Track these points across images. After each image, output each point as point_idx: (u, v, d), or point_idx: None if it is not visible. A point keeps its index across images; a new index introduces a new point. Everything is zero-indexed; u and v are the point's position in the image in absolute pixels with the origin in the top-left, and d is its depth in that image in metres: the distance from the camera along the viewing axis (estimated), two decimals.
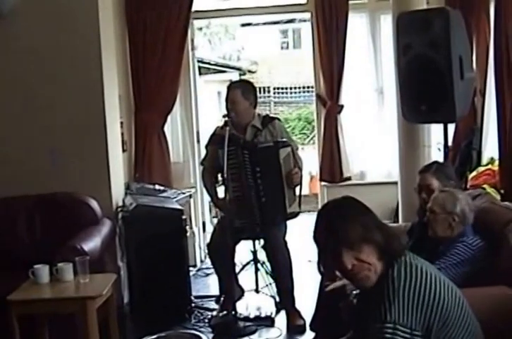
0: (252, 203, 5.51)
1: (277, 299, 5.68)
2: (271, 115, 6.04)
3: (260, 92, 23.03)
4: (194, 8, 7.23)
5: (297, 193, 5.63)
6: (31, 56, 5.96)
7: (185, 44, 7.23)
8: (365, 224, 2.71)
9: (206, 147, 5.85)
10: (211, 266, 5.97)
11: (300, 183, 5.59)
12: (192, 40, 7.60)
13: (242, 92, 5.57)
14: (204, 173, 5.94)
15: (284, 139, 5.52)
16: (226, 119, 5.51)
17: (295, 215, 5.61)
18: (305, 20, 9.89)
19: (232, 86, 5.75)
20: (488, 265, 3.86)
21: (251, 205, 5.51)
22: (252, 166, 5.46)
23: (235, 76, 18.64)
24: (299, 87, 24.40)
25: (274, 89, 24.87)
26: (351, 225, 2.69)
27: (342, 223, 2.71)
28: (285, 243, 5.55)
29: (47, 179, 5.89)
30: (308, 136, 21.74)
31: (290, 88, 24.87)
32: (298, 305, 5.56)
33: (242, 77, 19.70)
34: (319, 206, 7.63)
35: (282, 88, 24.95)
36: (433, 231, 4.08)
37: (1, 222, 5.70)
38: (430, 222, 4.10)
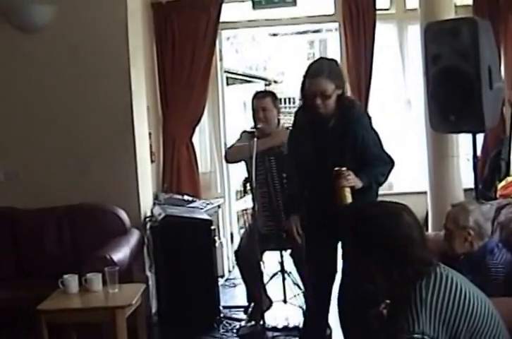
0: (279, 209, 5.51)
1: (305, 308, 5.67)
2: None
3: (286, 103, 22.98)
4: (222, 18, 7.26)
5: None
6: (60, 70, 6.05)
7: (213, 55, 7.27)
8: (389, 248, 2.70)
9: (242, 133, 5.90)
10: (239, 275, 5.98)
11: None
12: (220, 51, 7.62)
13: (272, 99, 5.64)
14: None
15: None
16: (254, 130, 5.52)
17: None
18: (331, 30, 9.89)
19: (259, 95, 5.77)
20: None
21: (278, 211, 5.51)
22: (279, 172, 5.48)
23: (260, 86, 18.63)
24: None
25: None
26: (377, 243, 2.71)
27: (372, 236, 2.72)
28: None
29: (76, 189, 5.94)
30: None
31: None
32: None
33: (267, 87, 19.68)
34: None
35: None
36: (451, 249, 4.04)
37: (31, 232, 5.78)
38: (447, 240, 4.07)
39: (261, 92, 5.98)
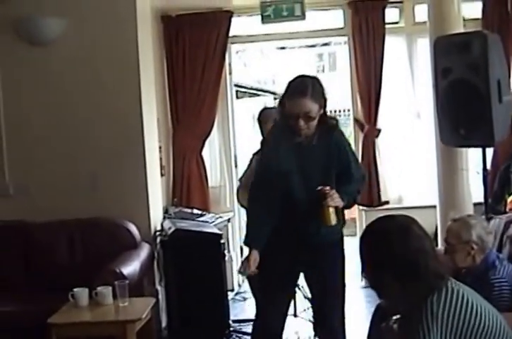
0: None
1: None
2: None
3: None
4: (231, 32, 7.31)
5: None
6: (70, 84, 6.08)
7: (222, 69, 7.32)
8: (402, 262, 2.69)
9: (252, 158, 5.86)
10: (249, 289, 5.97)
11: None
12: (230, 65, 7.66)
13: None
14: (239, 190, 5.95)
15: None
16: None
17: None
18: (340, 43, 9.92)
19: (266, 115, 5.74)
20: None
21: None
22: None
23: (269, 100, 18.60)
24: (334, 111, 24.30)
25: None
26: (388, 254, 2.70)
27: (383, 251, 2.72)
28: None
29: (87, 203, 5.95)
30: None
31: None
32: None
33: (277, 101, 19.64)
34: (358, 230, 7.62)
35: None
36: (454, 263, 4.02)
37: (42, 245, 5.79)
38: (449, 254, 4.06)
39: (266, 110, 5.93)
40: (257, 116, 5.88)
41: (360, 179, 4.42)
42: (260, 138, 5.66)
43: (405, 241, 2.70)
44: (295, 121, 4.05)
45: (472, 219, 4.09)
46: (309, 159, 4.20)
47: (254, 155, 5.87)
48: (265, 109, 6.00)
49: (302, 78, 4.15)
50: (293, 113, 4.05)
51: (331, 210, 4.07)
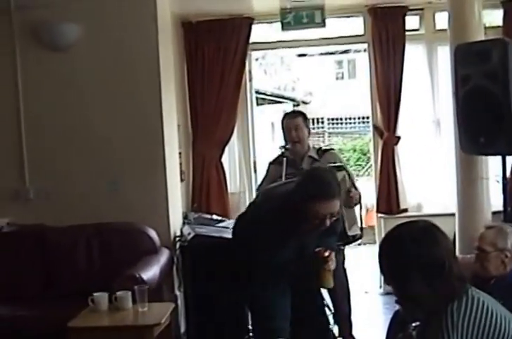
0: None
1: (336, 331, 5.64)
2: (324, 147, 6.06)
3: (314, 123, 22.94)
4: (251, 39, 7.34)
5: (357, 214, 5.60)
6: (91, 89, 6.10)
7: (242, 76, 7.35)
8: (430, 263, 2.68)
9: (269, 167, 5.87)
10: None
11: (360, 203, 5.57)
12: (250, 71, 7.68)
13: (303, 118, 5.71)
14: None
15: (339, 164, 5.51)
16: (283, 150, 5.56)
17: (356, 238, 5.53)
18: (359, 51, 9.91)
19: (291, 114, 5.88)
20: None
21: None
22: None
23: (289, 107, 18.65)
24: (354, 118, 24.33)
25: (328, 120, 24.85)
26: (408, 261, 2.69)
27: (411, 253, 2.70)
28: (344, 270, 5.54)
29: (107, 208, 5.97)
30: (363, 167, 21.60)
31: (345, 119, 24.82)
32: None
33: (296, 108, 19.68)
34: (376, 238, 7.60)
35: (336, 119, 24.92)
36: (485, 270, 4.00)
37: (61, 250, 5.80)
38: (480, 261, 4.04)
39: (291, 112, 6.04)
40: (277, 122, 5.91)
41: (339, 231, 4.42)
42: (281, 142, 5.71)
43: (434, 240, 2.70)
44: (321, 221, 3.90)
45: (507, 228, 4.08)
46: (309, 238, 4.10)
47: (270, 164, 5.87)
48: (289, 113, 6.04)
49: (323, 176, 4.01)
50: (322, 214, 3.88)
51: (330, 273, 4.05)
